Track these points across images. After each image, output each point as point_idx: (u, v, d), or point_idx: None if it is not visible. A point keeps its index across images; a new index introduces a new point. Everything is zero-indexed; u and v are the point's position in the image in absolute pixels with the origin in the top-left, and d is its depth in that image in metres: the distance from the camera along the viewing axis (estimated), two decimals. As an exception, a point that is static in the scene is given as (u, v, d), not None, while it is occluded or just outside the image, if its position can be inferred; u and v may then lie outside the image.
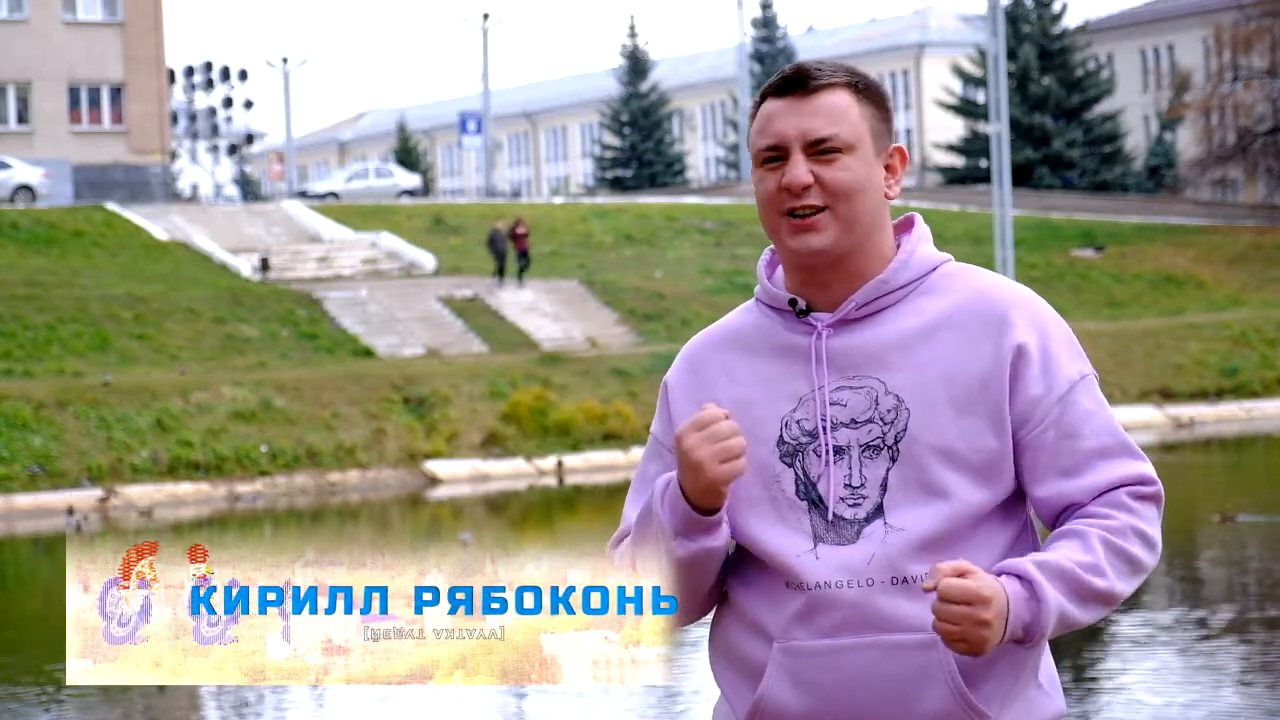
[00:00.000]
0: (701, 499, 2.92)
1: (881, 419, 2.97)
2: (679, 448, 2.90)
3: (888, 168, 3.03)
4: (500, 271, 42.55)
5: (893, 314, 3.00)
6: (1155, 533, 2.98)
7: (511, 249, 42.79)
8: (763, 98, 3.03)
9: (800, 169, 2.96)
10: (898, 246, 3.06)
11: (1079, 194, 59.80)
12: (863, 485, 2.97)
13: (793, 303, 3.02)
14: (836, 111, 2.98)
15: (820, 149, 2.97)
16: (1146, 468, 3.00)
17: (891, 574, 2.94)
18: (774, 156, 2.99)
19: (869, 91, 3.02)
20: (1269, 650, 13.27)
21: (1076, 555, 2.91)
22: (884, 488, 2.96)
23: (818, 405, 2.99)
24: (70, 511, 28.85)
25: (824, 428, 2.98)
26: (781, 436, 3.00)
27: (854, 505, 2.97)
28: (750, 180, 3.01)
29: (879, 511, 2.96)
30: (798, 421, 3.00)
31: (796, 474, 3.00)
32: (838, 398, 2.99)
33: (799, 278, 3.03)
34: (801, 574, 2.96)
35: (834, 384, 2.99)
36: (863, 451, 2.97)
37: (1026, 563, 2.89)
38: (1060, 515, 3.00)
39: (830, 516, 2.97)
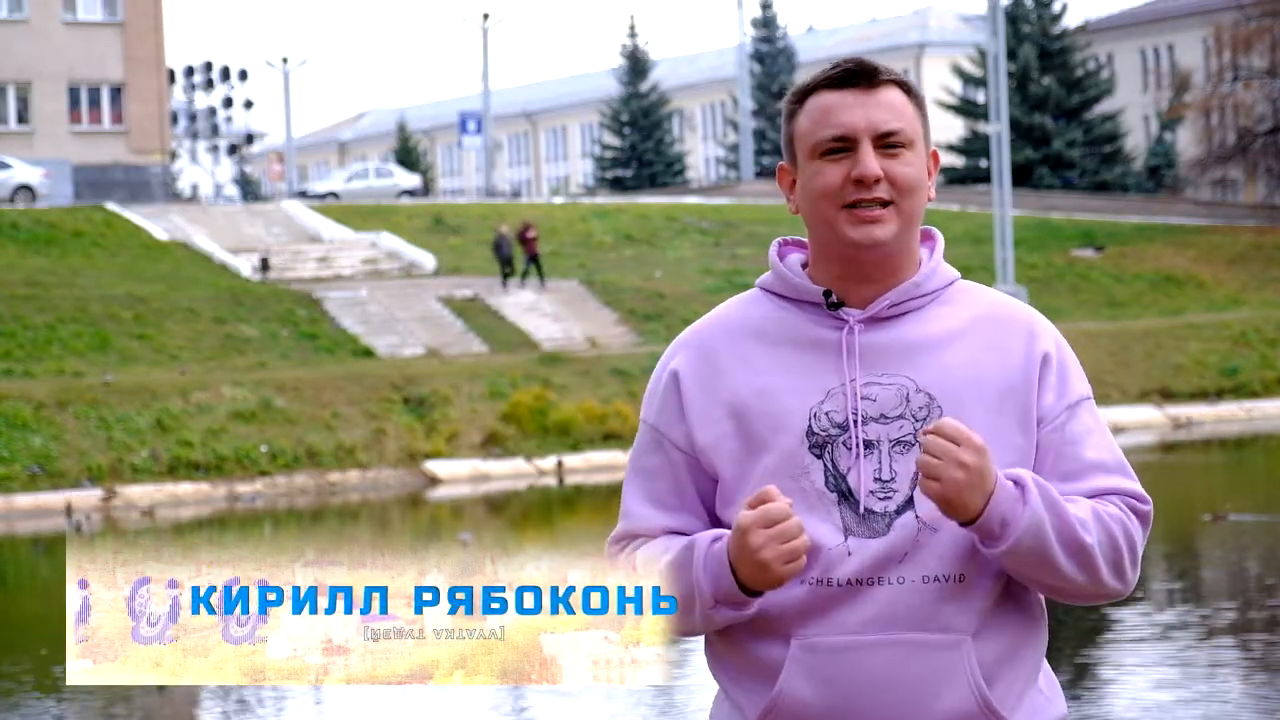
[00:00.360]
0: (756, 586, 2.92)
1: (913, 415, 2.99)
2: (743, 540, 2.88)
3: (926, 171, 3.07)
4: (506, 276, 42.26)
5: (917, 317, 3.04)
6: (1140, 546, 3.03)
7: (521, 253, 42.52)
8: (810, 90, 3.04)
9: (873, 161, 2.97)
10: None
11: (1079, 194, 59.80)
12: (893, 479, 2.98)
13: (826, 294, 3.03)
14: (898, 107, 3.01)
15: (887, 142, 2.99)
16: (1140, 489, 3.05)
17: (923, 572, 2.96)
18: (838, 148, 2.99)
19: (916, 95, 3.06)
20: (1266, 647, 13.28)
21: (1070, 506, 2.95)
22: (915, 482, 2.97)
23: (848, 399, 3.00)
24: (68, 512, 28.84)
25: (855, 421, 2.99)
26: (810, 428, 3.00)
27: (884, 499, 2.98)
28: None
29: (909, 504, 2.97)
30: (827, 414, 3.00)
31: (826, 466, 3.00)
32: (866, 392, 3.00)
33: (837, 271, 3.04)
34: (831, 570, 2.97)
35: (862, 379, 3.01)
36: (893, 446, 2.99)
37: (1026, 473, 2.94)
38: None
39: (861, 510, 2.98)
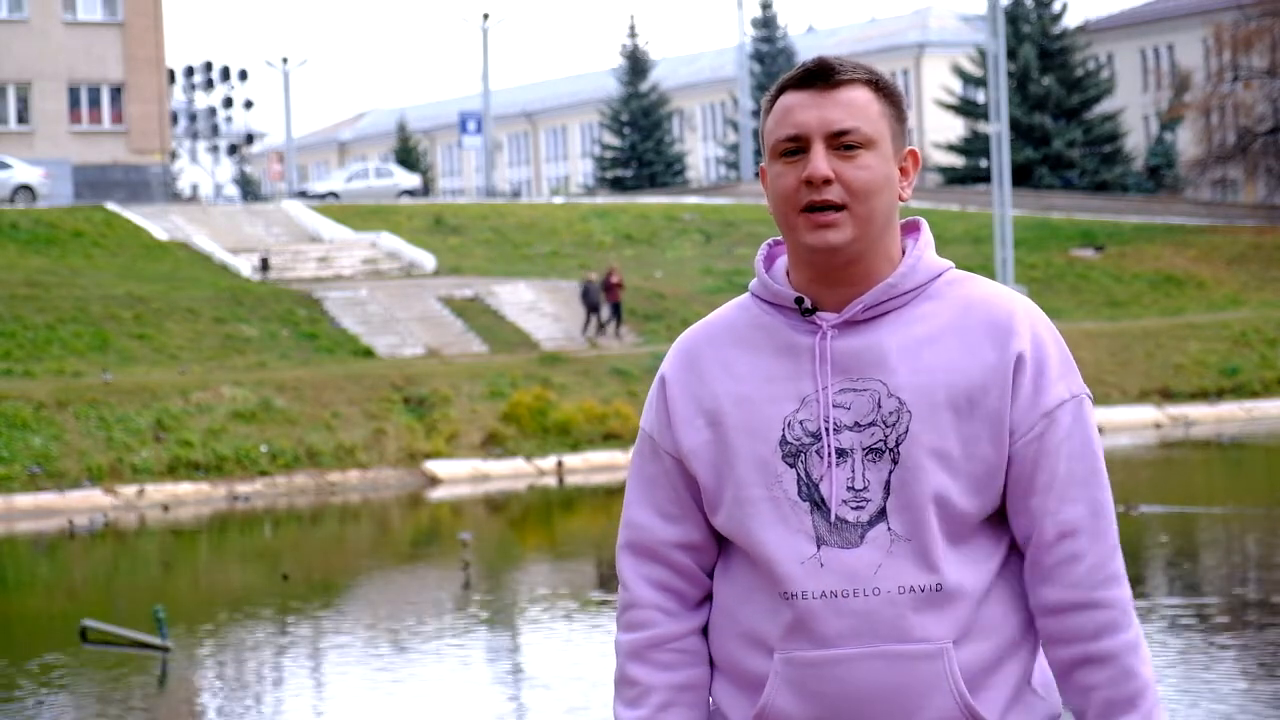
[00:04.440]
0: None
1: (884, 422, 2.94)
2: None
3: (901, 170, 3.01)
4: (592, 324, 40.18)
5: (897, 318, 2.98)
6: (1122, 567, 3.00)
7: (604, 300, 40.41)
8: (780, 91, 3.00)
9: (821, 161, 2.93)
10: (903, 249, 3.04)
11: (1079, 194, 59.79)
12: (865, 488, 2.94)
13: (799, 301, 2.99)
14: (858, 106, 2.95)
15: (842, 142, 2.94)
16: (1108, 496, 3.00)
17: (898, 583, 2.93)
18: (793, 149, 2.96)
19: (888, 91, 3.00)
20: (1243, 638, 13.28)
21: (1118, 692, 2.97)
22: (887, 491, 2.94)
23: (820, 407, 2.96)
24: (56, 516, 28.84)
25: (826, 429, 2.96)
26: (784, 436, 2.97)
27: (857, 508, 2.94)
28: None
29: (882, 515, 2.94)
30: (800, 422, 2.97)
31: (799, 475, 2.96)
32: (841, 400, 2.96)
33: (808, 275, 3.00)
34: (806, 583, 2.94)
35: (837, 385, 2.97)
36: (865, 455, 2.95)
37: None
38: (1028, 538, 2.99)
39: (833, 519, 2.95)
